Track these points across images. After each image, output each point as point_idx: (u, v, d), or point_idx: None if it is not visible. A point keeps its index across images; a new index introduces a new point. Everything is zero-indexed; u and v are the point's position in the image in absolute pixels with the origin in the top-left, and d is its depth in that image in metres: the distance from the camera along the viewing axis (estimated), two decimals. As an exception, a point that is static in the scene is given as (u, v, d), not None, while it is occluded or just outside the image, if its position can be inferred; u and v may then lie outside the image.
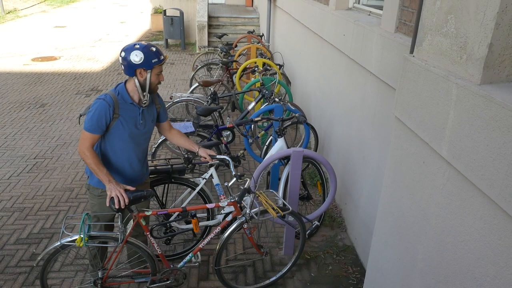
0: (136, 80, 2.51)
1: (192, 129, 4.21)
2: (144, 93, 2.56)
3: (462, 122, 1.67)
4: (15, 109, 6.86)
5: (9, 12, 16.11)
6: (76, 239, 2.57)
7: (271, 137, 4.64)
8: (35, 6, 18.59)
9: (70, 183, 4.69)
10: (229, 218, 2.99)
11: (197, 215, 3.52)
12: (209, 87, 5.91)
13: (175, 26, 11.29)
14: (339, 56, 4.21)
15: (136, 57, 2.42)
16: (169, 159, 3.36)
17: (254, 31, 9.20)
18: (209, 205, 2.92)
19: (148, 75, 2.50)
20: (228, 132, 4.97)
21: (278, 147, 3.98)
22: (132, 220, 2.75)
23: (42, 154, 5.35)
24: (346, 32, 3.84)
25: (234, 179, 2.96)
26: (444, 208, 1.87)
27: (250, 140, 4.80)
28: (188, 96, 5.43)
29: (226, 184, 2.89)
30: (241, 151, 4.61)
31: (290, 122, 4.45)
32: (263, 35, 9.31)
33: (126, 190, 2.54)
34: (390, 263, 2.49)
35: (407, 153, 2.22)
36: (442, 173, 1.87)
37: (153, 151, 4.55)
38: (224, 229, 2.99)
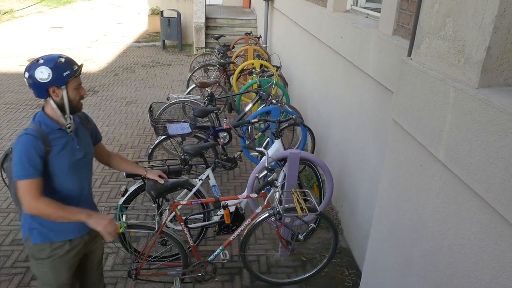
0: (52, 101, 2.04)
1: (189, 130, 4.20)
2: (65, 115, 2.08)
3: (459, 125, 1.67)
4: (11, 110, 6.83)
5: (5, 13, 16.05)
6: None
7: (268, 138, 4.64)
8: (31, 6, 18.52)
9: (66, 184, 4.67)
10: (259, 210, 3.09)
11: (193, 216, 3.55)
12: (206, 89, 5.89)
13: (172, 27, 11.28)
14: (337, 58, 4.22)
15: (42, 74, 1.95)
16: (166, 160, 3.35)
17: (251, 32, 9.20)
18: (240, 196, 3.07)
19: (64, 93, 2.02)
20: (225, 134, 4.96)
21: (275, 148, 3.98)
22: (168, 210, 2.93)
23: (37, 154, 5.32)
24: (344, 34, 3.84)
25: (265, 171, 3.05)
26: (441, 212, 1.86)
27: (247, 142, 4.79)
28: (185, 97, 5.42)
29: (256, 174, 3.11)
30: (238, 153, 4.60)
31: (287, 124, 4.44)
32: (260, 36, 9.31)
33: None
34: (386, 266, 2.49)
35: (404, 156, 2.22)
36: (439, 176, 1.87)
37: (149, 152, 4.54)
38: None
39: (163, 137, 4.42)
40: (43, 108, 2.12)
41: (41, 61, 1.98)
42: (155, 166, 3.21)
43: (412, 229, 2.14)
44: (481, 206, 1.58)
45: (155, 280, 3.26)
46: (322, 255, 3.69)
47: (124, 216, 2.61)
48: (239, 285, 3.34)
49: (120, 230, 2.54)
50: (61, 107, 2.06)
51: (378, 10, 3.49)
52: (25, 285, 3.24)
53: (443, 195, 1.84)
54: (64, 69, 2.01)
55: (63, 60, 2.02)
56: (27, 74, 1.99)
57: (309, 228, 3.91)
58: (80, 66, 2.12)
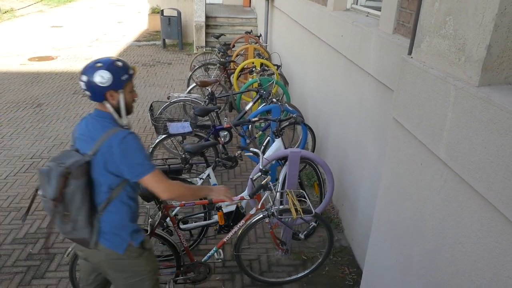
0: (109, 105, 2.04)
1: (190, 129, 4.20)
2: (121, 118, 2.09)
3: (460, 124, 1.67)
4: (11, 109, 6.83)
5: (5, 12, 16.05)
6: None
7: (269, 137, 4.64)
8: (31, 5, 18.52)
9: (66, 183, 4.67)
10: (253, 211, 3.10)
11: (194, 216, 3.54)
12: (207, 87, 5.89)
13: (172, 26, 11.27)
14: (337, 57, 4.21)
15: (102, 78, 1.95)
16: (166, 159, 3.35)
17: (251, 31, 9.19)
18: (235, 198, 2.93)
19: (121, 96, 2.04)
20: (226, 133, 4.96)
21: (276, 147, 3.98)
22: (160, 212, 2.88)
23: (39, 154, 5.33)
24: (344, 33, 3.84)
25: (259, 173, 3.07)
26: (441, 210, 1.86)
27: (248, 141, 4.79)
28: (185, 96, 5.42)
29: (251, 177, 3.10)
30: (239, 152, 4.60)
31: (287, 123, 4.44)
32: (260, 35, 9.30)
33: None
34: (387, 264, 2.49)
35: (405, 155, 2.22)
36: (440, 175, 1.87)
37: (150, 151, 4.54)
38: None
39: (163, 136, 4.42)
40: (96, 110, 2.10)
41: (100, 65, 1.96)
42: (155, 165, 3.21)
43: (413, 228, 2.14)
44: (481, 204, 1.58)
45: None
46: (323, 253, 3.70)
47: None
48: (240, 284, 3.35)
49: None
50: (117, 109, 2.07)
51: (378, 9, 3.49)
52: (26, 284, 3.25)
53: (444, 194, 1.84)
54: (122, 73, 2.01)
55: (120, 64, 2.01)
56: (85, 78, 1.96)
57: (310, 227, 3.91)
58: (135, 69, 2.11)
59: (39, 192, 2.02)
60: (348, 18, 3.84)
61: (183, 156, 4.20)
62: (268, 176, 2.93)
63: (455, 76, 1.75)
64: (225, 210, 3.37)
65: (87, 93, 2.00)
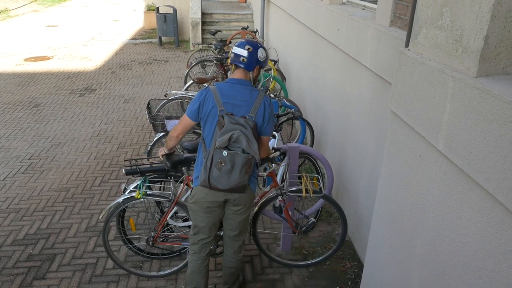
0: (251, 75, 2.58)
1: (188, 126, 4.18)
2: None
3: (458, 115, 1.67)
4: (8, 110, 6.81)
5: (0, 12, 15.97)
6: (134, 194, 2.97)
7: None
8: (26, 5, 18.44)
9: (65, 183, 4.67)
10: (267, 189, 3.28)
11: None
12: (204, 84, 5.88)
13: (168, 24, 11.23)
14: (334, 51, 4.20)
15: (262, 54, 2.53)
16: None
17: (248, 27, 9.17)
18: None
19: (260, 73, 2.67)
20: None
21: (274, 143, 3.97)
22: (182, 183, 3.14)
23: (37, 154, 5.32)
24: (341, 27, 3.83)
25: (273, 151, 3.19)
26: (441, 202, 1.86)
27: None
28: (183, 94, 5.40)
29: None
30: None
31: (285, 118, 4.44)
32: (257, 31, 9.27)
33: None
34: (388, 257, 2.49)
35: (404, 147, 2.22)
36: (439, 166, 1.87)
37: (148, 149, 4.53)
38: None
39: (162, 134, 4.41)
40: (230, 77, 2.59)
41: (260, 45, 2.55)
42: (154, 163, 3.21)
43: (413, 220, 2.14)
44: (481, 195, 1.58)
45: (167, 251, 3.49)
46: (324, 247, 3.71)
47: (144, 186, 2.98)
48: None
49: (138, 197, 2.94)
50: (253, 81, 2.61)
51: (374, 2, 3.48)
52: (27, 285, 3.25)
53: (444, 185, 1.84)
54: (268, 59, 2.63)
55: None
56: (250, 48, 2.49)
57: (309, 222, 3.91)
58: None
59: (224, 153, 2.38)
60: (344, 11, 3.83)
61: (182, 153, 4.18)
62: (277, 152, 3.08)
63: (453, 67, 1.75)
64: None
65: (241, 59, 2.50)
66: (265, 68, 5.91)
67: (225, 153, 2.37)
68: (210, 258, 2.98)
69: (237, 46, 2.53)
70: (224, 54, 6.96)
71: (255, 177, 2.69)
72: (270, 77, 5.47)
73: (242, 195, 2.58)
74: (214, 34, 8.59)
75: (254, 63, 2.51)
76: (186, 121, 2.59)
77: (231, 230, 2.76)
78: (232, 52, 2.56)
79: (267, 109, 2.50)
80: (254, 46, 2.51)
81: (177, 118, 4.56)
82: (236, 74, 2.55)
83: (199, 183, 2.52)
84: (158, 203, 3.41)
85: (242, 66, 2.51)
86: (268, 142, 2.61)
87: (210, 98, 2.48)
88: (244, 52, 2.49)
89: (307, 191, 3.10)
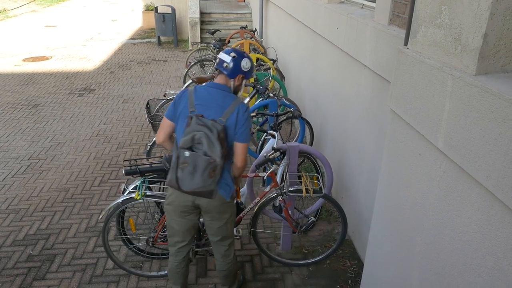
0: (232, 83, 2.57)
1: (187, 126, 4.18)
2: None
3: (458, 113, 1.67)
4: (7, 110, 6.80)
5: (-2, 12, 15.95)
6: (134, 195, 2.98)
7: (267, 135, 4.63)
8: (24, 6, 18.41)
9: (65, 183, 4.66)
10: (267, 189, 3.28)
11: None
12: (203, 84, 5.87)
13: (167, 23, 11.22)
14: (333, 50, 4.20)
15: (247, 64, 2.53)
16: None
17: (246, 26, 9.16)
18: (249, 175, 3.34)
19: (244, 83, 2.62)
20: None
21: (274, 142, 3.97)
22: None
23: (36, 155, 5.31)
24: (339, 26, 3.83)
25: (272, 151, 3.22)
26: (441, 200, 1.86)
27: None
28: (182, 93, 5.39)
29: (264, 154, 3.32)
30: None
31: (285, 117, 4.44)
32: (256, 30, 9.27)
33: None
34: (388, 256, 2.49)
35: (403, 146, 2.21)
36: (439, 165, 1.87)
37: (148, 149, 4.53)
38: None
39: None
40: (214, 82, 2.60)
41: (246, 55, 2.55)
42: (153, 163, 3.21)
43: (413, 218, 2.15)
44: (481, 193, 1.58)
45: (167, 251, 3.43)
46: (324, 246, 3.71)
47: (143, 187, 2.99)
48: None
49: (138, 198, 2.95)
50: (234, 90, 2.60)
51: (373, 0, 3.48)
52: (27, 286, 3.25)
53: (443, 184, 1.84)
54: (253, 70, 2.64)
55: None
56: (234, 56, 2.50)
57: (309, 221, 3.91)
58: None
59: (186, 153, 2.37)
60: (343, 10, 3.83)
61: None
62: (277, 153, 3.11)
63: (452, 65, 1.75)
64: None
65: (224, 66, 2.51)
66: (264, 68, 5.91)
67: (187, 153, 2.38)
68: (189, 261, 2.93)
69: (224, 52, 2.55)
70: (223, 54, 6.94)
71: (227, 185, 2.56)
72: (269, 76, 5.46)
73: (211, 201, 2.53)
74: (213, 33, 8.58)
75: (236, 71, 2.51)
76: (165, 122, 2.59)
77: (213, 236, 2.74)
78: (218, 58, 2.57)
79: (241, 115, 2.45)
80: (240, 55, 2.51)
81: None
82: (217, 79, 2.58)
83: (167, 182, 2.54)
84: (158, 203, 3.41)
85: (225, 72, 2.52)
86: (244, 150, 2.51)
87: (184, 99, 2.51)
88: (228, 59, 2.51)
89: (307, 190, 3.10)
